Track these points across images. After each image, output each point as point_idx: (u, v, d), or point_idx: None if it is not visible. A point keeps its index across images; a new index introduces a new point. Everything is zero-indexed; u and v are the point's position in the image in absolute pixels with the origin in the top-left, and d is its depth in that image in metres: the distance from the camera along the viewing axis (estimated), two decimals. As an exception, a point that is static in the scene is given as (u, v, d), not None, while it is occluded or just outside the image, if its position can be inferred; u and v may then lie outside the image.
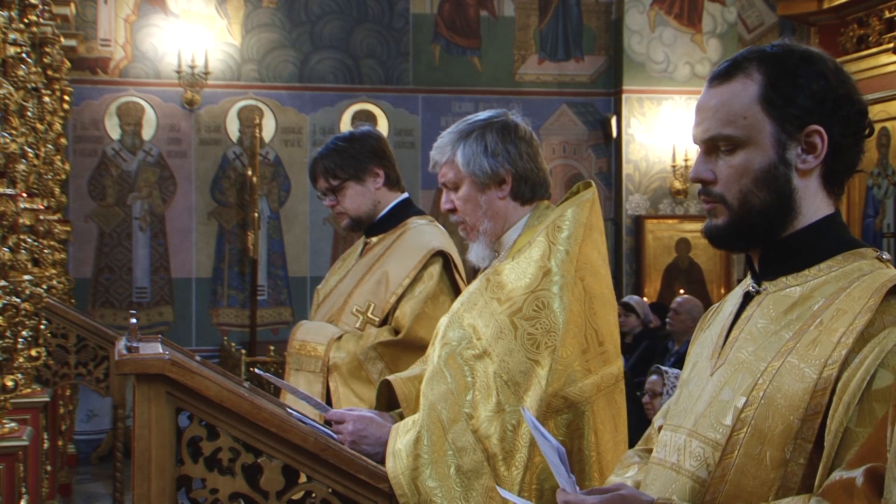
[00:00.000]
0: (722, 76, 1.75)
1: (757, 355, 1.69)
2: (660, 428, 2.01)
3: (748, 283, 1.82)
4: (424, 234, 3.49)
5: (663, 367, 5.42)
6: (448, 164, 2.65)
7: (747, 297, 1.80)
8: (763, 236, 1.75)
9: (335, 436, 2.58)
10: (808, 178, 1.73)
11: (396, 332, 3.37)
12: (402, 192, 3.64)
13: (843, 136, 1.72)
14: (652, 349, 7.58)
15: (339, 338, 3.42)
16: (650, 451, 2.02)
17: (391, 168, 3.58)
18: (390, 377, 2.80)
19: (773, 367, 1.65)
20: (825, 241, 1.73)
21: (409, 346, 3.29)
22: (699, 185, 1.79)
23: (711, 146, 1.75)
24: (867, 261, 1.71)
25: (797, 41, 1.81)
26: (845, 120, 1.72)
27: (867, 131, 1.75)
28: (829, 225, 1.74)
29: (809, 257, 1.73)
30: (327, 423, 2.70)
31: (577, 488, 1.71)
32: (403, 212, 3.59)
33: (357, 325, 3.44)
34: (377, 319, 3.42)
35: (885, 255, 1.74)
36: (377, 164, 3.54)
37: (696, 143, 1.80)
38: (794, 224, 1.74)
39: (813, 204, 1.74)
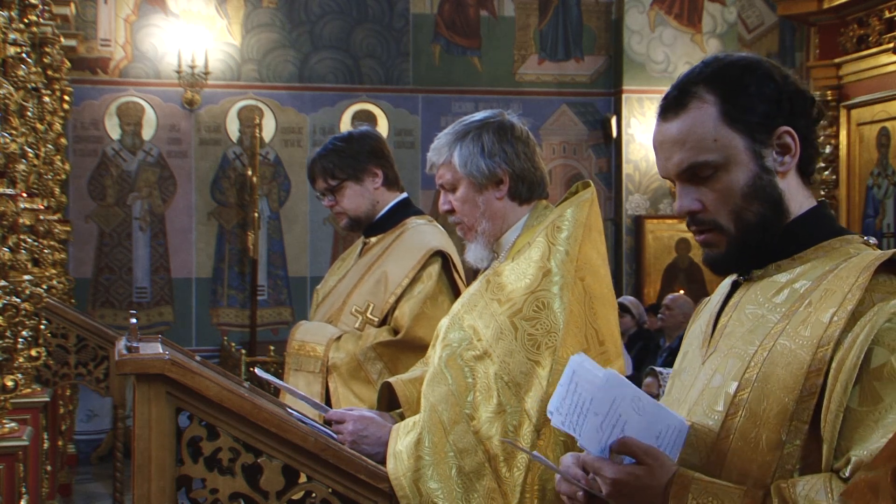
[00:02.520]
0: (674, 107, 1.75)
1: (745, 339, 1.70)
2: None
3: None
4: (423, 234, 3.49)
5: (657, 369, 5.42)
6: (445, 165, 2.66)
7: (735, 286, 1.82)
8: (764, 248, 1.75)
9: (335, 436, 2.58)
10: (788, 176, 1.75)
11: (395, 332, 3.37)
12: (401, 192, 3.64)
13: (807, 128, 1.75)
14: (646, 349, 7.61)
15: (339, 338, 3.42)
16: None
17: (389, 168, 3.58)
18: (391, 379, 2.80)
19: (763, 350, 1.65)
20: (813, 230, 1.75)
21: (408, 347, 3.29)
22: (687, 217, 1.78)
23: (690, 175, 1.74)
24: (853, 245, 1.73)
25: (734, 50, 1.82)
26: (804, 112, 1.75)
27: (818, 115, 1.78)
28: (816, 215, 1.76)
29: (797, 245, 1.74)
30: (327, 423, 2.70)
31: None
32: (402, 212, 3.59)
33: (356, 325, 3.44)
34: (376, 319, 3.42)
35: (872, 240, 1.76)
36: (375, 164, 3.54)
37: (667, 177, 1.79)
38: (785, 221, 1.75)
39: (797, 199, 1.76)
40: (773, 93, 1.72)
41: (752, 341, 1.68)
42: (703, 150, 1.71)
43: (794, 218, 1.75)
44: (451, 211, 2.67)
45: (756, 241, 1.74)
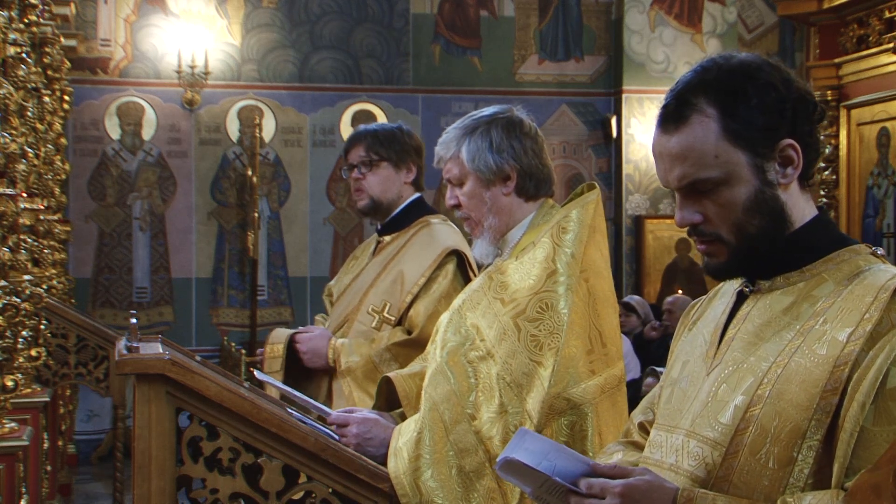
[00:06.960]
0: (674, 120, 1.72)
1: (757, 355, 1.69)
2: (639, 424, 2.02)
3: (740, 282, 1.81)
4: (439, 233, 3.51)
5: (658, 369, 5.41)
6: (453, 159, 2.65)
7: (741, 297, 1.80)
8: (765, 256, 1.74)
9: (336, 436, 2.58)
10: (790, 187, 1.73)
11: (409, 332, 3.38)
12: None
13: (810, 134, 1.73)
14: (644, 352, 7.56)
15: (342, 343, 3.43)
16: (632, 443, 2.02)
17: (420, 172, 3.67)
18: (391, 374, 2.80)
19: (777, 367, 1.64)
20: (819, 240, 1.74)
21: (422, 346, 3.28)
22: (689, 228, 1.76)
23: (690, 189, 1.72)
24: (862, 257, 1.72)
25: (738, 50, 1.79)
26: (806, 118, 1.72)
27: (820, 116, 1.75)
28: (820, 224, 1.75)
29: (804, 256, 1.73)
30: (328, 424, 2.70)
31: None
32: (417, 210, 3.62)
33: (373, 324, 3.46)
34: (393, 319, 3.43)
35: (880, 251, 1.75)
36: (414, 161, 3.61)
37: (667, 187, 1.77)
38: (787, 231, 1.74)
39: (798, 206, 1.74)
40: (775, 102, 1.69)
41: (765, 357, 1.67)
42: (705, 166, 1.69)
43: (797, 228, 1.73)
44: (458, 206, 2.67)
45: (758, 251, 1.73)
